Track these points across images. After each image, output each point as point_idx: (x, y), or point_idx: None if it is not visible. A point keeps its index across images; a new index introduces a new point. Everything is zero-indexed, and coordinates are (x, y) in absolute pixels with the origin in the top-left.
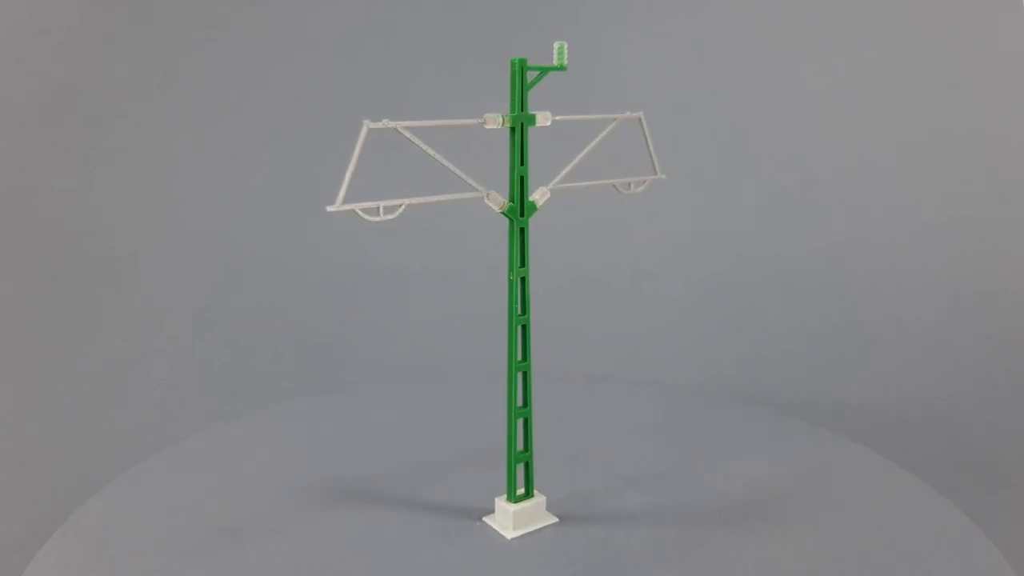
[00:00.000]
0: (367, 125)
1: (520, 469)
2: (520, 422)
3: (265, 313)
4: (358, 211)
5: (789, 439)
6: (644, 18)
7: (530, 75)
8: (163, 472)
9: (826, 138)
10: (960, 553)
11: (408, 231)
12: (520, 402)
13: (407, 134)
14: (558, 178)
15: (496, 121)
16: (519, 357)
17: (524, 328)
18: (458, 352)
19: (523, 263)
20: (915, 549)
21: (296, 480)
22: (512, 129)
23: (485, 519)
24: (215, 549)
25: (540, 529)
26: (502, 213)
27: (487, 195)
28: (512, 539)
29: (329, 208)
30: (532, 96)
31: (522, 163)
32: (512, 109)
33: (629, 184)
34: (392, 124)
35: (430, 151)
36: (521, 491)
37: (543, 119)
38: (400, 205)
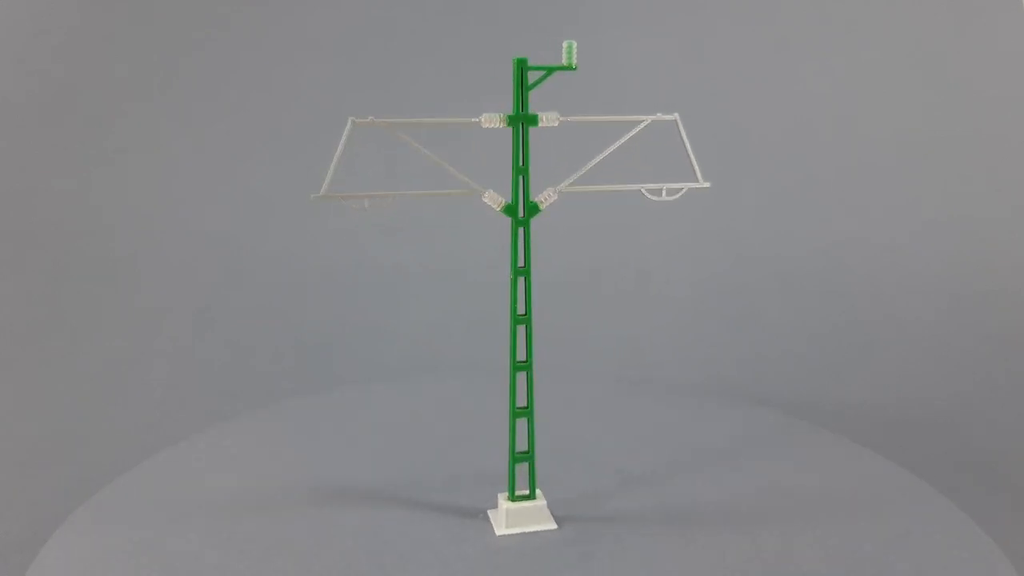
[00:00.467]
0: (352, 120)
1: (524, 470)
2: (523, 422)
3: (265, 313)
4: (346, 202)
5: (789, 439)
6: (644, 18)
7: (536, 75)
8: (163, 472)
9: (826, 138)
10: (962, 553)
11: (408, 231)
12: (523, 402)
13: (397, 131)
14: (569, 180)
15: (493, 120)
16: (521, 357)
17: (526, 328)
18: (458, 352)
19: (524, 263)
20: (916, 549)
21: (296, 480)
22: (513, 129)
23: (489, 512)
24: (215, 549)
25: (537, 531)
26: (502, 212)
27: (484, 193)
28: (501, 535)
29: (312, 196)
30: (539, 96)
31: (523, 163)
32: (513, 109)
33: (662, 191)
34: (378, 121)
35: (420, 148)
36: (525, 492)
37: (549, 120)
38: (388, 196)
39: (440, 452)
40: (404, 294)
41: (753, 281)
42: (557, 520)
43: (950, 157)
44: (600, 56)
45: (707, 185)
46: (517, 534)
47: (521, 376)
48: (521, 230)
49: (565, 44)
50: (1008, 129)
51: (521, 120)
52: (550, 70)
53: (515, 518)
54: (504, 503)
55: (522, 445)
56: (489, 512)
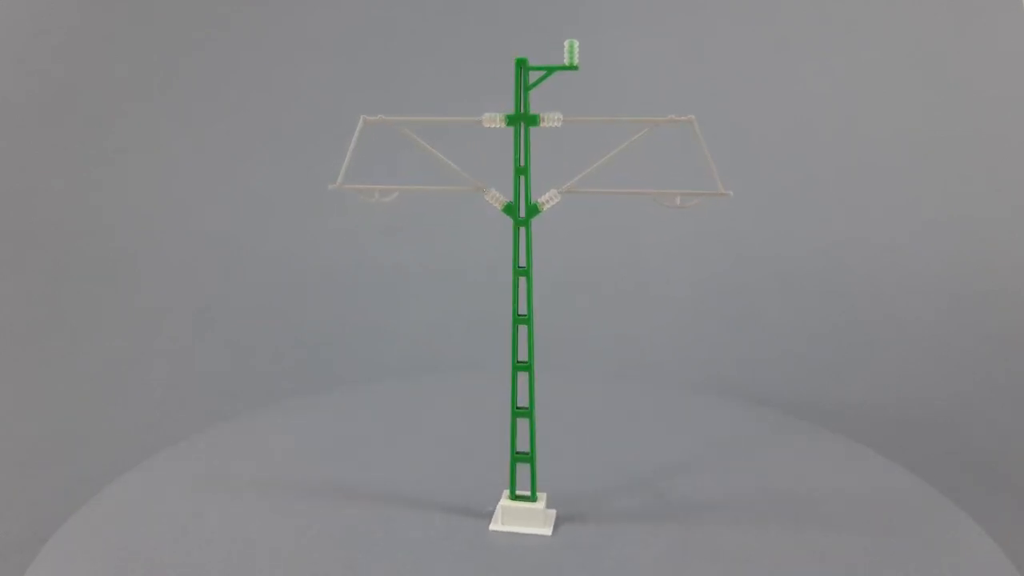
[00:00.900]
0: (363, 119)
1: (526, 470)
2: (524, 423)
3: (265, 313)
4: (359, 192)
5: (789, 439)
6: (644, 18)
7: (537, 74)
8: (163, 472)
9: (826, 138)
10: (962, 553)
11: (408, 231)
12: (523, 402)
13: (404, 130)
14: (571, 182)
15: (494, 120)
16: (522, 357)
17: (527, 328)
18: (458, 352)
19: (525, 262)
20: (916, 549)
21: (296, 480)
22: (513, 129)
23: (493, 511)
24: (216, 549)
25: (535, 532)
26: (503, 212)
27: (487, 192)
28: (495, 530)
29: (331, 186)
30: (539, 96)
31: (523, 163)
32: (513, 109)
33: (677, 198)
34: (388, 119)
35: (425, 146)
36: (526, 493)
37: (551, 120)
38: (395, 191)
39: (440, 452)
40: (404, 294)
41: (753, 281)
42: (556, 520)
43: (950, 157)
44: (600, 56)
45: (730, 194)
46: (513, 533)
47: (522, 376)
48: (522, 230)
49: (567, 43)
50: (1008, 129)
51: (521, 120)
52: (551, 70)
53: (513, 517)
54: (504, 501)
55: (523, 445)
56: (493, 511)
